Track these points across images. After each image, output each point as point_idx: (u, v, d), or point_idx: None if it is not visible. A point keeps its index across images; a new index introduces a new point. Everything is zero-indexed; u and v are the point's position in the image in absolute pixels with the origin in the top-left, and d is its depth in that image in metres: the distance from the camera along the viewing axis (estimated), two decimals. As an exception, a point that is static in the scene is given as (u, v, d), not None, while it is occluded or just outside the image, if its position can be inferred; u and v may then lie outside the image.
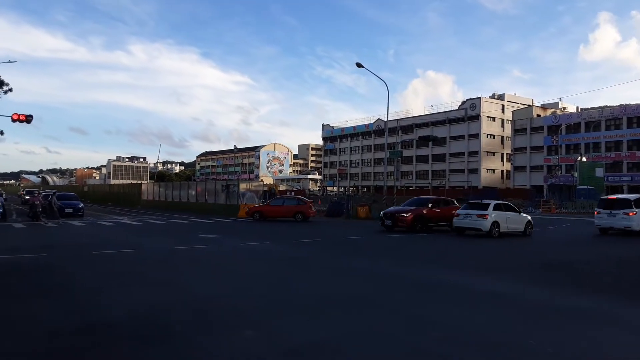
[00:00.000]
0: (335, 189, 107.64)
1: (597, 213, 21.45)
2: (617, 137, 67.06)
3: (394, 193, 35.79)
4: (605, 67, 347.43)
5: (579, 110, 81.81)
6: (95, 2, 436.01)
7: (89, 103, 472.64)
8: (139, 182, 72.86)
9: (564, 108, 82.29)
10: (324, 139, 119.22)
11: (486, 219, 18.79)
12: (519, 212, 20.66)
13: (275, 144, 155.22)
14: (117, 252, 13.26)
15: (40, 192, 41.94)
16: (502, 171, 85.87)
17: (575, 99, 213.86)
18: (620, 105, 71.90)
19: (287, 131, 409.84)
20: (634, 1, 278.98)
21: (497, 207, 19.45)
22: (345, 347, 5.22)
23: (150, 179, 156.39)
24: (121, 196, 54.69)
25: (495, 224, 18.88)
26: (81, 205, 30.55)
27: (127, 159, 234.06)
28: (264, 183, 50.39)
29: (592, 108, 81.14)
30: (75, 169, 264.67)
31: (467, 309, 7.08)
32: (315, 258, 12.81)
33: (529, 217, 20.90)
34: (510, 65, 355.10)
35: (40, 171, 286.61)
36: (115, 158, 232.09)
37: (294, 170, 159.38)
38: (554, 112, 78.13)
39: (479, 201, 21.17)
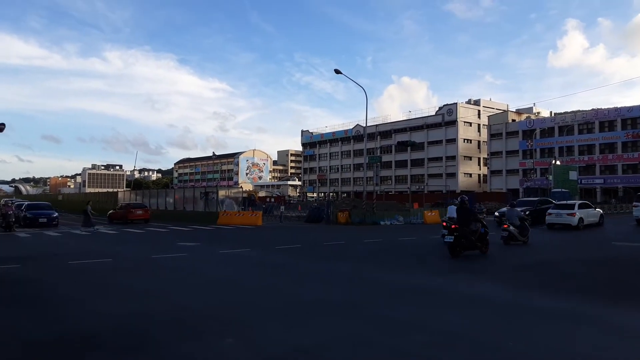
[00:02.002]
0: (315, 194, 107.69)
1: (635, 206, 25.36)
2: (590, 141, 68.74)
3: (373, 198, 36.00)
4: (576, 72, 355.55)
5: (553, 115, 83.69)
6: (70, 8, 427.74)
7: (62, 111, 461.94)
8: (115, 190, 71.64)
9: (538, 113, 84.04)
10: (303, 145, 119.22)
11: (574, 216, 23.06)
12: (594, 208, 25.24)
13: (254, 150, 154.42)
14: (94, 261, 12.98)
15: (13, 201, 40.73)
16: (479, 175, 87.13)
17: (549, 104, 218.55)
18: (593, 110, 73.77)
19: (266, 137, 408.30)
20: (602, 8, 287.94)
21: (580, 206, 24.03)
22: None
23: (126, 187, 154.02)
24: (97, 205, 53.63)
25: (581, 219, 23.25)
26: (55, 214, 29.89)
27: (102, 167, 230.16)
28: (244, 189, 50.13)
29: (565, 113, 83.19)
30: (48, 178, 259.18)
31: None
32: (294, 263, 12.77)
33: (601, 211, 25.46)
34: (483, 72, 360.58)
35: (13, 180, 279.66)
36: (90, 166, 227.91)
37: (273, 177, 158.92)
38: (528, 117, 79.70)
39: (566, 202, 25.81)
